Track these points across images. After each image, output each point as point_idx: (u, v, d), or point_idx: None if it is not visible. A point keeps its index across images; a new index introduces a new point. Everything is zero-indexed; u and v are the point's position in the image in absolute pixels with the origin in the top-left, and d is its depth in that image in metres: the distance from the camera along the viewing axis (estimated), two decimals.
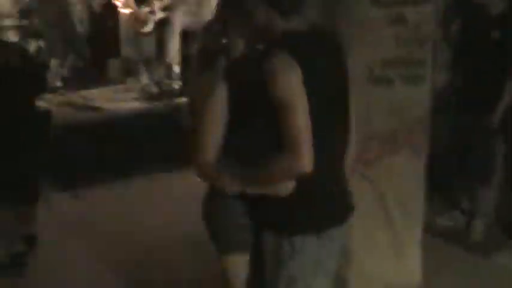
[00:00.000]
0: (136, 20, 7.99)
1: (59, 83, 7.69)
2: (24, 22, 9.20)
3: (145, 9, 7.71)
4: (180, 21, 7.81)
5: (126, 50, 9.71)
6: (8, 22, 8.94)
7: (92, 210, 5.00)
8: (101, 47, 10.35)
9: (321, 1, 2.61)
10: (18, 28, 9.19)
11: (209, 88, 2.22)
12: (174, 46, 7.74)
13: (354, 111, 2.27)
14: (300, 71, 1.99)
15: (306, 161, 2.01)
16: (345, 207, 2.33)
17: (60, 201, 5.10)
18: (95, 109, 6.12)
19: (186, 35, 7.02)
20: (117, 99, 6.79)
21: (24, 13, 9.23)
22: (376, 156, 2.79)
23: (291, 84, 2.00)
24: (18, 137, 4.04)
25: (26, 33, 8.91)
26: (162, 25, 7.74)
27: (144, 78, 7.74)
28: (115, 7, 10.08)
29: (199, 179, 2.32)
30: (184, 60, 6.81)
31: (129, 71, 8.95)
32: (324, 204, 2.23)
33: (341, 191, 2.32)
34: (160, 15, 7.64)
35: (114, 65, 9.69)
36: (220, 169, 2.22)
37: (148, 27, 7.83)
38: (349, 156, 2.29)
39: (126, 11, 9.58)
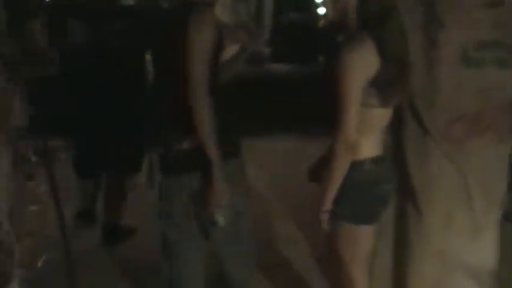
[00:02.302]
0: None
1: None
2: None
3: None
4: None
5: (219, 12, 9.83)
6: None
7: None
8: None
9: None
10: None
11: None
12: (269, 12, 7.75)
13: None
14: None
15: None
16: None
17: None
18: None
19: (279, 3, 7.09)
20: None
21: None
22: (461, 137, 2.79)
23: None
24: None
25: None
26: None
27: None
28: None
29: None
30: (277, 27, 6.92)
31: None
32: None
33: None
34: None
35: None
36: None
37: None
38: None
39: None
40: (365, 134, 2.44)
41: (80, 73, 3.95)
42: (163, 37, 2.73)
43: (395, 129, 2.83)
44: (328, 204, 2.47)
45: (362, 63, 2.36)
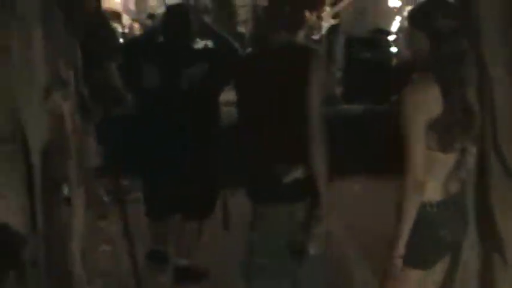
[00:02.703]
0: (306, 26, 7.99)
1: None
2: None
3: (314, 16, 7.68)
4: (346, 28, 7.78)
5: None
6: None
7: None
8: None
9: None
10: None
11: None
12: (340, 51, 7.67)
13: None
14: None
15: None
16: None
17: None
18: None
19: (350, 42, 7.01)
20: None
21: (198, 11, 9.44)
22: None
23: None
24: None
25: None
26: (331, 32, 7.70)
27: None
28: None
29: None
30: (348, 67, 6.84)
31: None
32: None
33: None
34: (330, 22, 7.58)
35: None
36: None
37: (318, 34, 7.84)
38: None
39: None
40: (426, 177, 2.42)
41: (154, 114, 3.96)
42: (263, 77, 2.92)
43: (479, 174, 2.70)
44: (401, 248, 2.45)
45: (424, 107, 2.38)
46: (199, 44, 4.06)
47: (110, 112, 4.68)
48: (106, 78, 4.27)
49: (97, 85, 4.20)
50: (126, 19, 8.23)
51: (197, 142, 3.91)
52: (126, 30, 8.18)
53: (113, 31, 6.35)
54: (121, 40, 7.75)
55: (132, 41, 4.31)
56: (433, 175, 2.44)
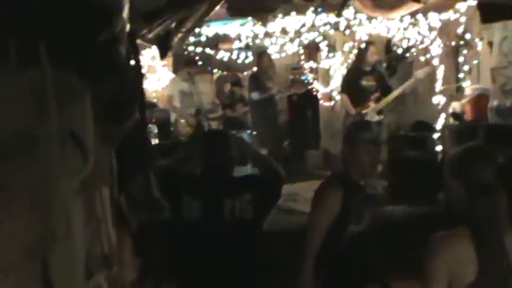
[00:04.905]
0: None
1: None
2: (229, 112, 9.38)
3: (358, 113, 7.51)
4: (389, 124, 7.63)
5: (326, 142, 9.69)
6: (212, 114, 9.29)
7: None
8: (300, 137, 10.45)
9: None
10: (222, 119, 9.42)
11: None
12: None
13: None
14: None
15: None
16: None
17: None
18: (301, 214, 5.81)
19: (394, 140, 6.83)
20: None
21: (228, 104, 9.45)
22: None
23: None
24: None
25: (230, 124, 9.06)
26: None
27: None
28: (315, 97, 10.14)
29: None
30: (390, 165, 6.62)
31: (328, 164, 8.84)
32: None
33: None
34: (374, 118, 7.38)
35: (313, 157, 9.68)
36: None
37: None
38: None
39: (327, 103, 9.57)
40: None
41: (195, 239, 3.69)
42: None
43: None
44: None
45: (450, 261, 2.27)
46: (241, 171, 3.84)
47: (148, 222, 4.47)
48: (143, 188, 4.08)
49: (134, 195, 4.00)
50: (172, 116, 8.37)
51: (242, 273, 3.62)
52: (173, 128, 8.34)
53: (149, 140, 6.29)
54: (170, 139, 7.80)
55: (169, 170, 4.05)
56: None
